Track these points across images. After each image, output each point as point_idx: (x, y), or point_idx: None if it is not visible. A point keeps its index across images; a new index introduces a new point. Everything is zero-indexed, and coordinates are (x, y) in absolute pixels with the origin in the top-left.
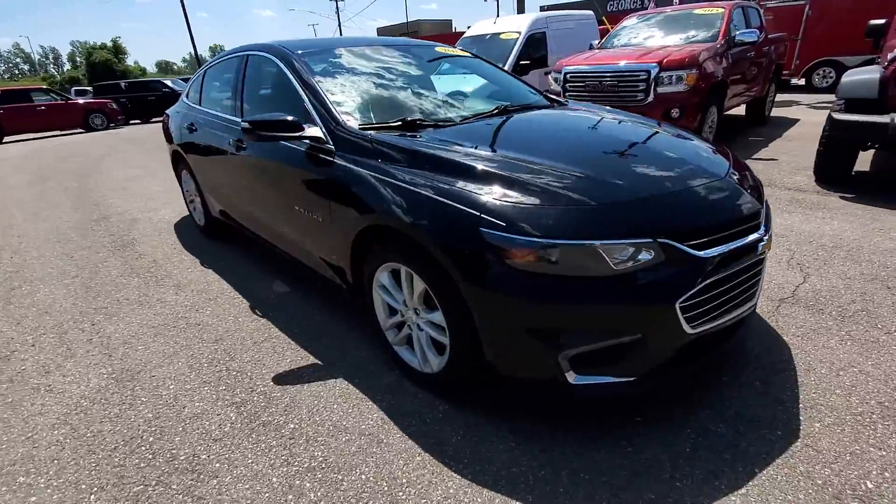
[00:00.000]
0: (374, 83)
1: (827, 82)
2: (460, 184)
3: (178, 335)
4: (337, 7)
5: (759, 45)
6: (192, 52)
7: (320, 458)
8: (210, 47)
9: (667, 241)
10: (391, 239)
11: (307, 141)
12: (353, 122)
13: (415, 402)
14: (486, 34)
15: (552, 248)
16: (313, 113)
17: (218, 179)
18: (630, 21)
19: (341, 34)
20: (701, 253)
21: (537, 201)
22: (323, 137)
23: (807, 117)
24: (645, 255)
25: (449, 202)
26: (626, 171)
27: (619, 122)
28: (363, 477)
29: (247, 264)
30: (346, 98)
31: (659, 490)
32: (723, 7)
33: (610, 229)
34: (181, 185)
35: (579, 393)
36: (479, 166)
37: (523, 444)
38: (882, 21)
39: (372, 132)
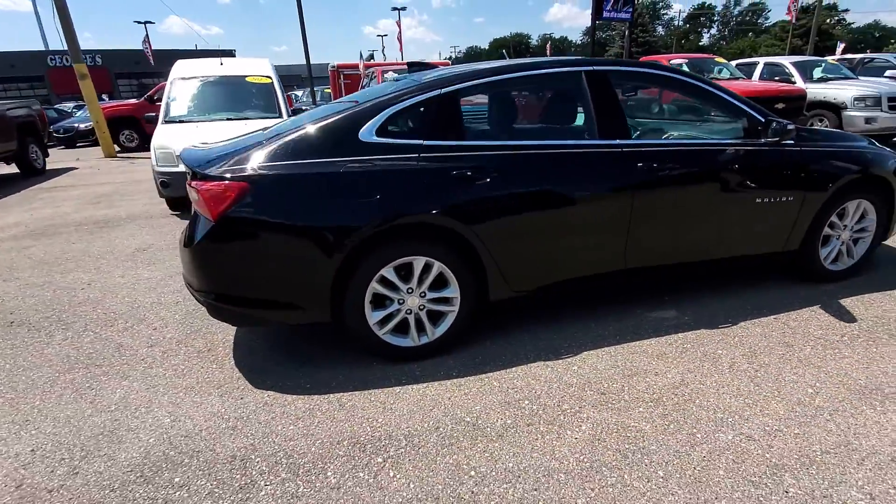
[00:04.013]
0: None
1: None
2: None
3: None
4: None
5: None
6: None
7: None
8: None
9: None
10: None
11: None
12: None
13: None
14: (218, 75)
15: None
16: (755, 115)
17: (572, 231)
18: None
19: None
20: None
21: None
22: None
23: None
24: None
25: None
26: None
27: None
28: None
29: (576, 323)
30: None
31: None
32: None
33: None
34: (355, 306)
35: None
36: None
37: None
38: None
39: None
